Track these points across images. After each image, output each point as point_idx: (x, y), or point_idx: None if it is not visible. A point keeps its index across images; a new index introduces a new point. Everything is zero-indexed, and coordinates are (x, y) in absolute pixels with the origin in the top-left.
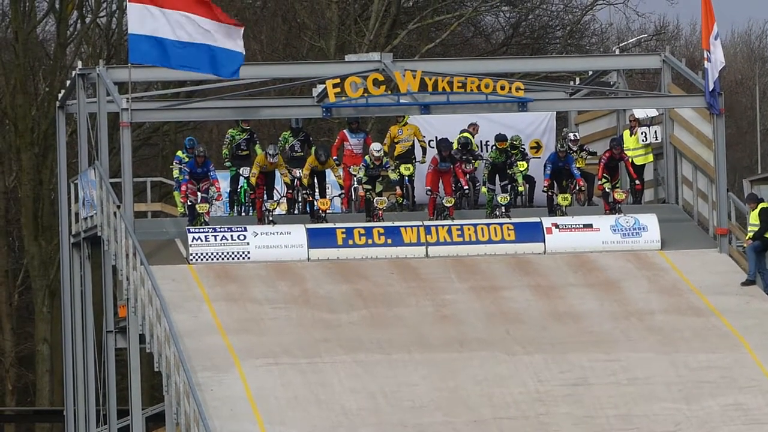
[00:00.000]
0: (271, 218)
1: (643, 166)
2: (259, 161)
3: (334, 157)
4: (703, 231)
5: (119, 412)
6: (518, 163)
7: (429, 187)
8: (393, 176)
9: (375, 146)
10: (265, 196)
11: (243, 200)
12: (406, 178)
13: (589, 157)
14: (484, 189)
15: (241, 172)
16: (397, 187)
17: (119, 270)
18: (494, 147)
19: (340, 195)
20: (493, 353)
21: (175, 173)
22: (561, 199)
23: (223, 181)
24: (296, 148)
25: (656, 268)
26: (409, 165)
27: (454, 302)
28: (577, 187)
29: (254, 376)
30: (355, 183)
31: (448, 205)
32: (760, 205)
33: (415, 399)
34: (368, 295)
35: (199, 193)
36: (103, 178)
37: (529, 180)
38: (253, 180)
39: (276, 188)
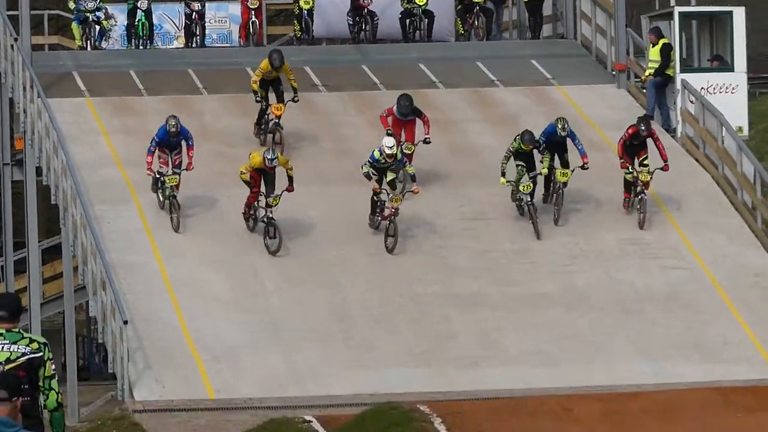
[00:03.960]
0: (271, 215)
1: (542, 1)
2: (254, 164)
3: None
4: (602, 66)
5: (15, 245)
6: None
7: (389, 128)
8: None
9: (387, 141)
10: (263, 191)
11: (140, 33)
12: (305, 11)
13: None
14: (503, 180)
15: (138, 5)
16: (295, 21)
17: (16, 103)
18: (519, 142)
19: (294, 99)
20: None
21: (71, 4)
22: (559, 175)
23: (120, 15)
24: None
25: (554, 103)
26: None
27: (352, 137)
28: (477, 22)
29: (151, 208)
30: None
31: (408, 152)
32: (662, 41)
33: (314, 233)
34: None
35: (170, 165)
36: None
37: (428, 14)
38: (245, 177)
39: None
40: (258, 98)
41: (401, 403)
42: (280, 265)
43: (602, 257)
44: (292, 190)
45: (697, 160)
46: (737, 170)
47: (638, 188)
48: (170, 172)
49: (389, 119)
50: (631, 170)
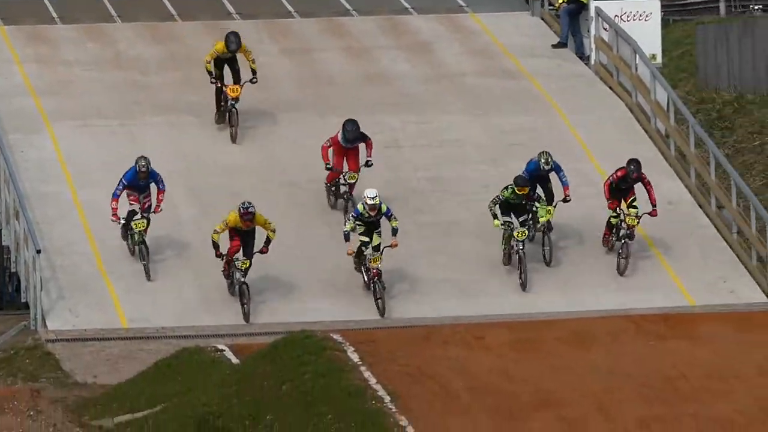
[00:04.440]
0: (243, 279)
1: None
2: (230, 222)
3: None
4: None
5: None
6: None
7: (329, 162)
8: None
9: (369, 192)
10: (241, 251)
11: None
12: None
13: None
14: (497, 222)
15: None
16: None
17: None
18: (512, 189)
19: (252, 80)
20: (304, 116)
21: None
22: (543, 213)
23: None
24: None
25: (468, 30)
26: None
27: (265, 65)
28: None
29: (65, 138)
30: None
31: (352, 181)
32: None
33: (229, 162)
34: (180, 57)
35: (139, 209)
36: None
37: None
38: (216, 237)
39: None
40: (213, 79)
41: (314, 332)
42: (195, 196)
43: None
44: (266, 252)
45: (610, 87)
46: (651, 98)
47: (622, 232)
48: (139, 215)
49: (331, 150)
50: (617, 213)
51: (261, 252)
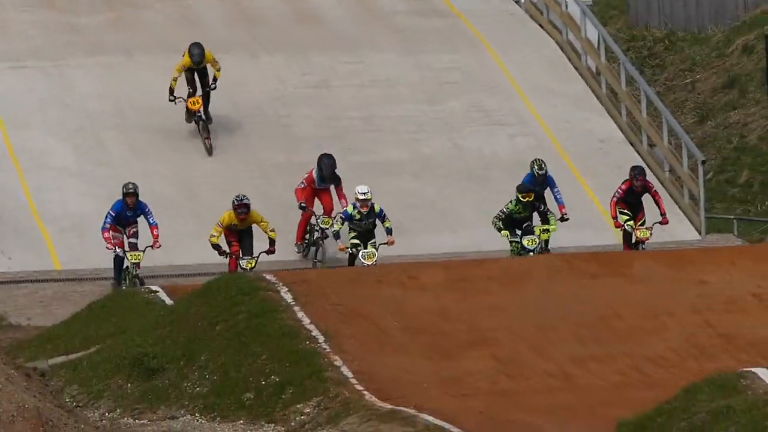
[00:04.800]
0: None
1: None
2: (225, 222)
3: None
4: None
5: None
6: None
7: (302, 202)
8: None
9: (360, 188)
10: (240, 252)
11: None
12: None
13: None
14: (504, 233)
15: None
16: None
17: None
18: (516, 199)
19: (211, 87)
20: (234, 55)
21: None
22: (538, 231)
23: None
24: None
25: None
26: None
27: (197, 6)
28: None
29: None
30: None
31: (326, 226)
32: None
33: (162, 103)
34: None
35: (126, 239)
36: None
37: None
38: (215, 240)
39: None
40: (171, 97)
41: (247, 272)
42: (127, 136)
43: (448, 125)
44: (274, 252)
45: (541, 25)
46: (581, 35)
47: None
48: (128, 248)
49: (304, 191)
50: (630, 230)
51: (268, 252)
